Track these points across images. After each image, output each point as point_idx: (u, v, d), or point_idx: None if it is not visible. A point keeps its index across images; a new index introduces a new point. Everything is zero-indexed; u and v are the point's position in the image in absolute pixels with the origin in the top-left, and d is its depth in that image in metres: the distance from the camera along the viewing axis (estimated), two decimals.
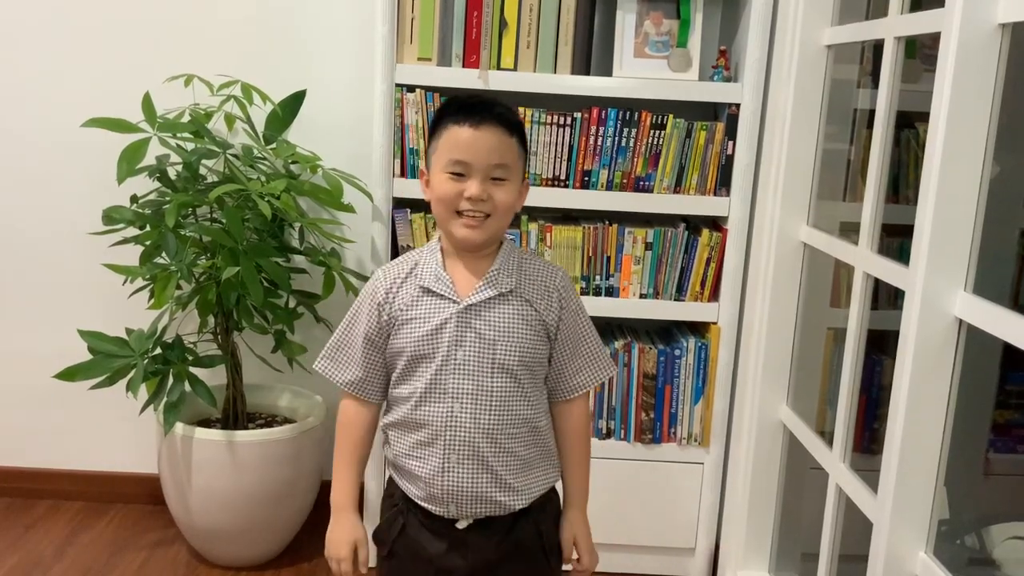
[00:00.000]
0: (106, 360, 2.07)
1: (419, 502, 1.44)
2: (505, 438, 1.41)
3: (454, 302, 1.40)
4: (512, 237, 2.17)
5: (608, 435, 2.27)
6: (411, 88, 2.14)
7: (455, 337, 1.39)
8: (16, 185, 2.44)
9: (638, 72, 2.16)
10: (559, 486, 1.52)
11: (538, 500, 1.47)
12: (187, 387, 2.13)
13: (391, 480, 1.52)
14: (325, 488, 2.42)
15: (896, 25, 1.60)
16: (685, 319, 2.26)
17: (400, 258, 1.49)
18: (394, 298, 1.43)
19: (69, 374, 2.05)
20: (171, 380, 2.11)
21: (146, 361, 2.08)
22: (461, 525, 1.43)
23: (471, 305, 1.40)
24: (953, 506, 1.57)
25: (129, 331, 2.14)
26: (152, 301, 2.08)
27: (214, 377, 2.30)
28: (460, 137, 1.36)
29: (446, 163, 1.37)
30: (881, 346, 1.82)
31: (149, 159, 2.09)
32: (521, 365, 1.41)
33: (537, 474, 1.47)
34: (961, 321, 1.35)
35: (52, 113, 2.39)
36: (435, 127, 1.41)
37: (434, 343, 1.40)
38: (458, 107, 1.40)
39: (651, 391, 2.24)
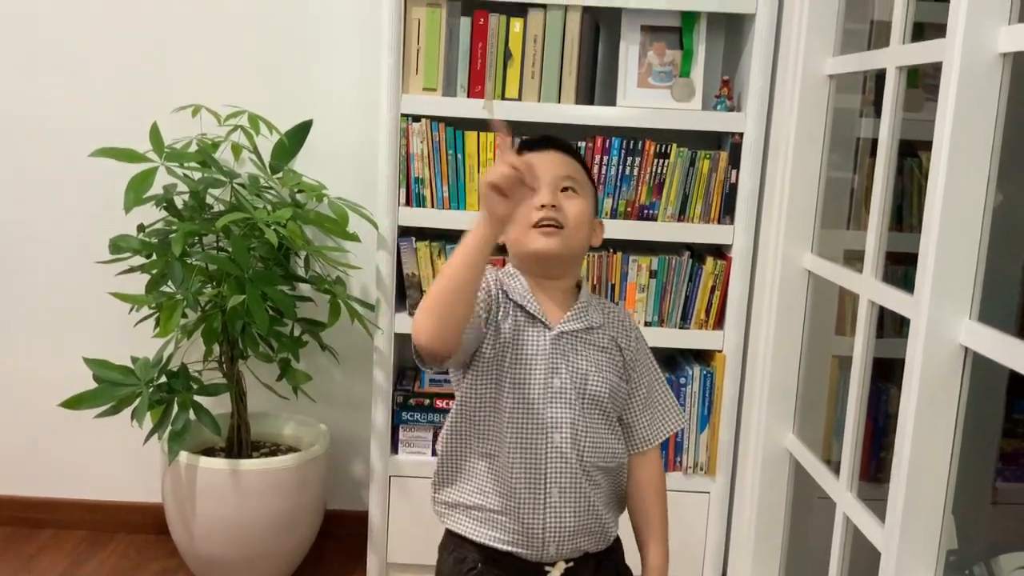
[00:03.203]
0: (111, 388, 2.07)
1: (506, 548, 1.36)
2: (598, 472, 1.39)
3: (547, 327, 1.39)
4: None
5: None
6: (416, 118, 2.15)
7: (550, 365, 1.37)
8: (25, 213, 2.46)
9: (642, 102, 2.17)
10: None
11: (614, 542, 1.45)
12: (192, 415, 2.12)
13: (456, 537, 1.42)
14: (328, 518, 2.43)
15: (898, 55, 1.61)
16: (690, 347, 2.26)
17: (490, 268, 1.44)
18: (500, 301, 1.38)
19: (75, 402, 2.05)
20: (176, 409, 2.11)
21: (151, 389, 2.08)
22: (554, 572, 1.37)
23: (563, 332, 1.39)
24: (961, 536, 1.56)
25: (135, 359, 2.14)
26: (158, 329, 2.09)
27: (218, 405, 2.30)
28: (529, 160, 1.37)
29: None
30: (887, 374, 1.81)
31: (156, 188, 2.10)
32: (610, 399, 1.41)
33: (616, 512, 1.45)
34: (966, 349, 1.35)
35: (62, 142, 2.41)
36: None
37: (530, 371, 1.36)
38: (523, 145, 1.46)
39: None
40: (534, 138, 1.48)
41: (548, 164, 1.40)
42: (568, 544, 1.37)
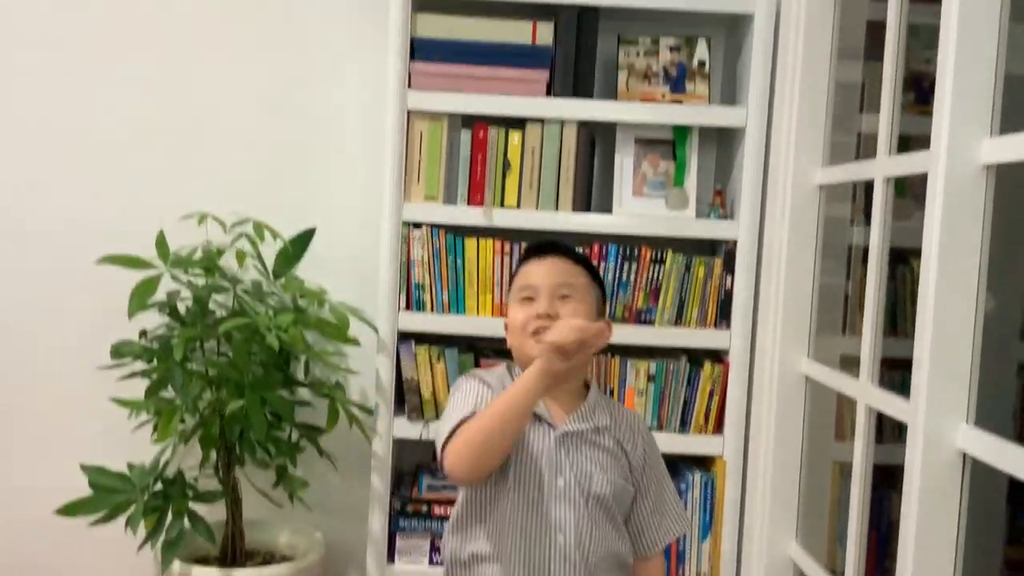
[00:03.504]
0: (107, 495, 2.05)
1: None
2: (602, 572, 1.40)
3: (551, 427, 1.41)
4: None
5: None
6: (418, 225, 2.20)
7: (555, 464, 1.39)
8: (26, 316, 2.48)
9: (637, 210, 2.23)
10: None
11: None
12: (186, 523, 2.09)
13: None
14: None
15: (885, 166, 1.66)
16: (690, 452, 2.25)
17: (485, 371, 1.51)
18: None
19: (71, 510, 2.03)
20: (170, 517, 2.08)
21: (146, 497, 2.06)
22: None
23: (568, 433, 1.41)
24: None
25: (131, 466, 2.13)
26: (156, 435, 2.08)
27: (213, 513, 2.27)
28: (528, 270, 1.47)
29: (517, 294, 1.45)
30: (888, 480, 1.80)
31: (160, 294, 2.13)
32: (615, 500, 1.42)
33: None
34: (965, 454, 1.35)
35: (65, 246, 2.45)
36: (511, 278, 1.52)
37: (535, 470, 1.38)
38: (527, 250, 1.53)
39: None
40: (538, 243, 1.52)
41: (547, 271, 1.45)
42: None
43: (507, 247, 2.19)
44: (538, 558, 1.36)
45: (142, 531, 2.06)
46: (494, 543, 1.38)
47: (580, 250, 2.17)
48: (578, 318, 1.39)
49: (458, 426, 1.35)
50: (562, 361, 1.27)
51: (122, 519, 2.03)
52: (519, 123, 2.21)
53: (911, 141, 1.66)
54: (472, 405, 1.40)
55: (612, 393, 2.21)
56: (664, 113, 2.20)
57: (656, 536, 1.47)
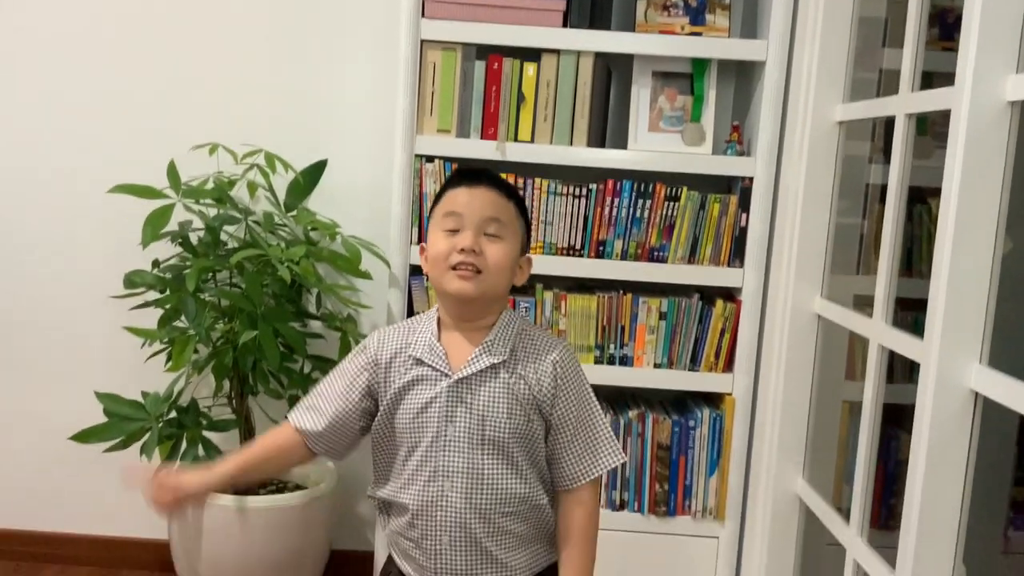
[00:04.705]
0: (121, 423, 2.08)
1: None
2: (499, 516, 1.38)
3: (445, 375, 1.38)
4: (527, 307, 2.19)
5: (621, 507, 2.25)
6: (430, 158, 2.18)
7: (445, 413, 1.37)
8: (42, 249, 2.49)
9: (653, 145, 2.20)
10: None
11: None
12: (200, 451, 2.13)
13: (390, 558, 1.51)
14: (335, 556, 2.41)
15: (906, 103, 1.63)
16: (699, 389, 2.26)
17: (396, 325, 1.49)
18: (388, 364, 1.43)
19: (85, 436, 2.06)
20: (185, 444, 2.11)
21: (161, 424, 2.08)
22: None
23: (463, 378, 1.38)
24: None
25: (145, 394, 2.15)
26: (169, 364, 2.10)
27: (227, 441, 2.30)
28: (455, 196, 1.40)
29: (440, 220, 1.39)
30: (898, 420, 1.81)
31: (172, 225, 2.13)
32: (514, 440, 1.37)
33: (537, 549, 1.44)
34: (977, 394, 1.35)
35: (77, 179, 2.44)
36: (436, 199, 1.45)
37: (424, 421, 1.38)
38: (456, 175, 1.44)
39: (665, 462, 2.22)
40: (469, 169, 1.45)
41: (476, 203, 1.38)
42: None
43: (521, 181, 2.17)
44: (430, 509, 1.37)
45: (157, 458, 2.09)
46: (396, 493, 1.41)
47: (594, 185, 2.16)
48: (500, 262, 1.37)
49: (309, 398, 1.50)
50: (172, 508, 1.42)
51: (137, 446, 2.07)
52: (534, 55, 2.17)
53: (934, 78, 1.62)
54: (322, 388, 1.49)
55: (623, 331, 2.22)
56: (683, 46, 2.15)
57: (576, 470, 1.40)
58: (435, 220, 1.42)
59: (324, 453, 1.48)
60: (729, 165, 2.18)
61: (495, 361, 1.39)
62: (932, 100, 1.54)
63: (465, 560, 1.38)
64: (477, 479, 1.37)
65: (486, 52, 2.18)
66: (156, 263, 2.21)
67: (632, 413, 2.23)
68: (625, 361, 2.23)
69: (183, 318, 2.11)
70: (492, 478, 1.37)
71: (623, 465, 2.23)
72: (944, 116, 1.39)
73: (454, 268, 1.36)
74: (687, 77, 2.22)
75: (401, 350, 1.43)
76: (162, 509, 1.42)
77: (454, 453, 1.37)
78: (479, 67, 2.17)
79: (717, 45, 2.16)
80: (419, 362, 1.41)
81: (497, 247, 1.38)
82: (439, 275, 1.39)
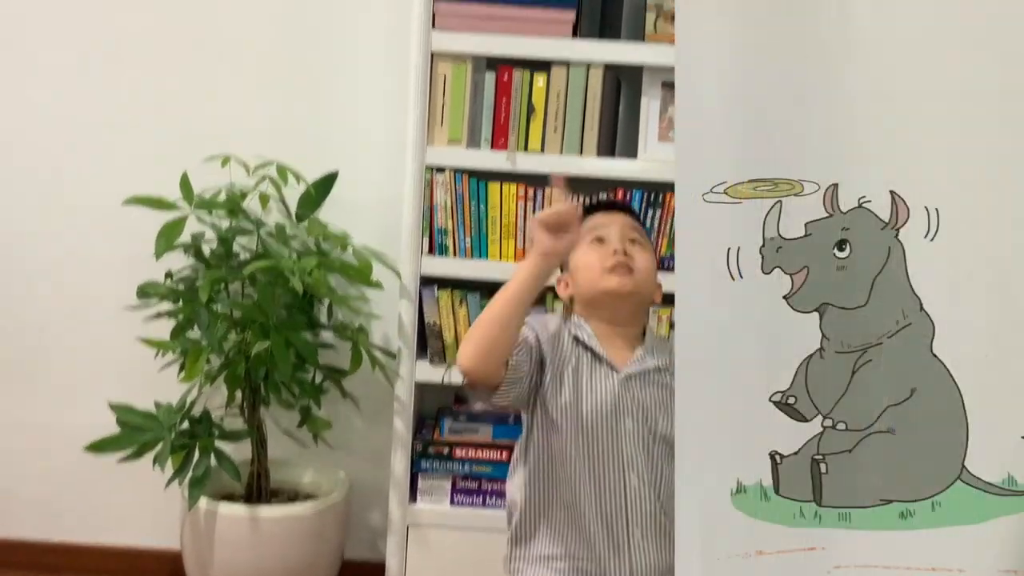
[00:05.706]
0: (135, 433, 2.09)
1: None
2: (672, 510, 1.36)
3: (614, 370, 1.43)
4: None
5: None
6: (441, 169, 2.19)
7: (619, 407, 1.41)
8: (56, 260, 2.50)
9: (662, 155, 2.20)
10: None
11: None
12: (212, 461, 2.14)
13: None
14: (346, 567, 2.41)
15: None
16: None
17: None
18: (561, 338, 1.46)
19: (99, 446, 2.08)
20: (197, 454, 2.12)
21: (173, 435, 2.10)
22: None
23: (632, 375, 1.43)
24: None
25: (158, 405, 2.16)
26: (182, 375, 2.11)
27: (239, 451, 2.31)
28: (595, 219, 1.52)
29: (586, 238, 1.47)
30: None
31: (185, 236, 2.15)
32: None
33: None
34: None
35: (94, 191, 2.46)
36: None
37: (600, 411, 1.41)
38: (591, 206, 1.59)
39: None
40: (602, 201, 1.59)
41: (616, 223, 1.50)
42: None
43: (530, 192, 2.18)
44: (612, 502, 1.38)
45: (170, 469, 2.11)
46: (568, 491, 1.40)
47: (604, 195, 2.17)
48: (647, 267, 1.47)
49: None
50: (548, 239, 1.31)
51: (150, 457, 2.08)
52: (544, 66, 2.18)
53: None
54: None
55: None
56: None
57: None
58: (580, 245, 1.47)
59: (511, 370, 1.40)
60: None
61: (660, 365, 1.45)
62: None
63: (658, 554, 1.39)
64: (658, 472, 1.40)
65: (496, 63, 2.19)
66: (169, 274, 2.23)
67: None
68: None
69: (196, 329, 2.12)
70: (668, 472, 1.36)
71: None
72: None
73: (610, 269, 1.44)
74: None
75: (562, 329, 1.49)
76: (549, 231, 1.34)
77: (635, 447, 1.41)
78: (489, 78, 2.18)
79: None
80: (588, 350, 1.45)
81: (644, 253, 1.49)
82: (593, 282, 1.46)
